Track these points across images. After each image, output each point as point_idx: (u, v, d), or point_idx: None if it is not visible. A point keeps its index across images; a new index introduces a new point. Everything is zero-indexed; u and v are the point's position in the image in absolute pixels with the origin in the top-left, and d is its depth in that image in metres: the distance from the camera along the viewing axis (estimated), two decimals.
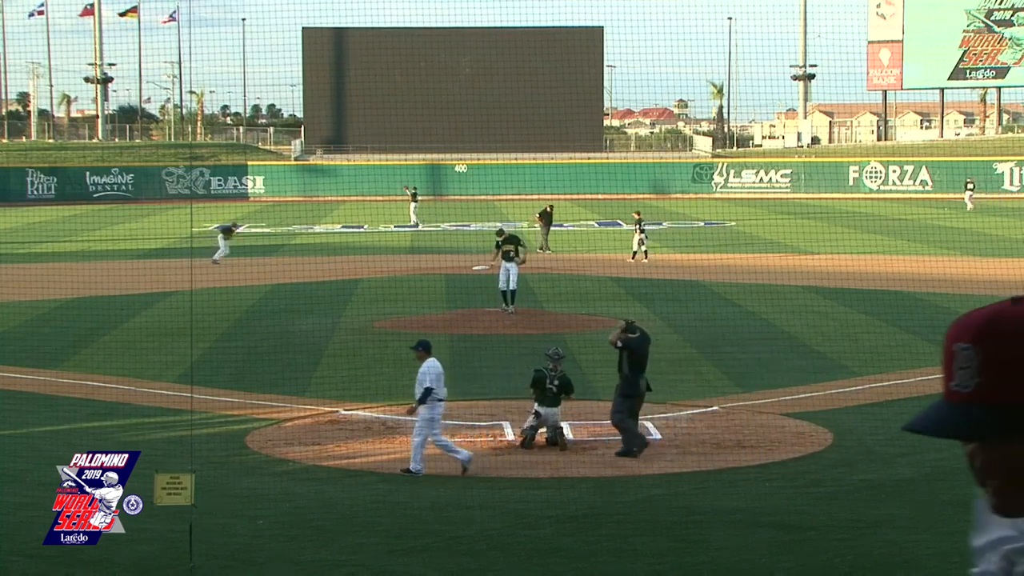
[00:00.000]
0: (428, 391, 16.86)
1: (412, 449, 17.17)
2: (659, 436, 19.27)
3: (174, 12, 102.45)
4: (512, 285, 32.03)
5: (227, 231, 44.88)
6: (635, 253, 43.31)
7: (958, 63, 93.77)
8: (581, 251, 46.45)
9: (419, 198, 63.72)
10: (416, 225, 60.45)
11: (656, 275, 37.48)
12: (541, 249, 46.49)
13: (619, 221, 58.58)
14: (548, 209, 48.38)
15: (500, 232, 34.03)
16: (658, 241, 53.09)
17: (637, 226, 43.74)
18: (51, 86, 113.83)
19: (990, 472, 2.23)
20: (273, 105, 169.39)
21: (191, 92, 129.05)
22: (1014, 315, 2.19)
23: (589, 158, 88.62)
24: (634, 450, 17.85)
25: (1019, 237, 49.66)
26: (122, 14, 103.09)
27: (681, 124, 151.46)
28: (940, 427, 2.21)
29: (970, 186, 70.27)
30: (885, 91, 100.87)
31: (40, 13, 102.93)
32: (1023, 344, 2.15)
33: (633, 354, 17.86)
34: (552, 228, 48.68)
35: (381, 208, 67.40)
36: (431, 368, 17.03)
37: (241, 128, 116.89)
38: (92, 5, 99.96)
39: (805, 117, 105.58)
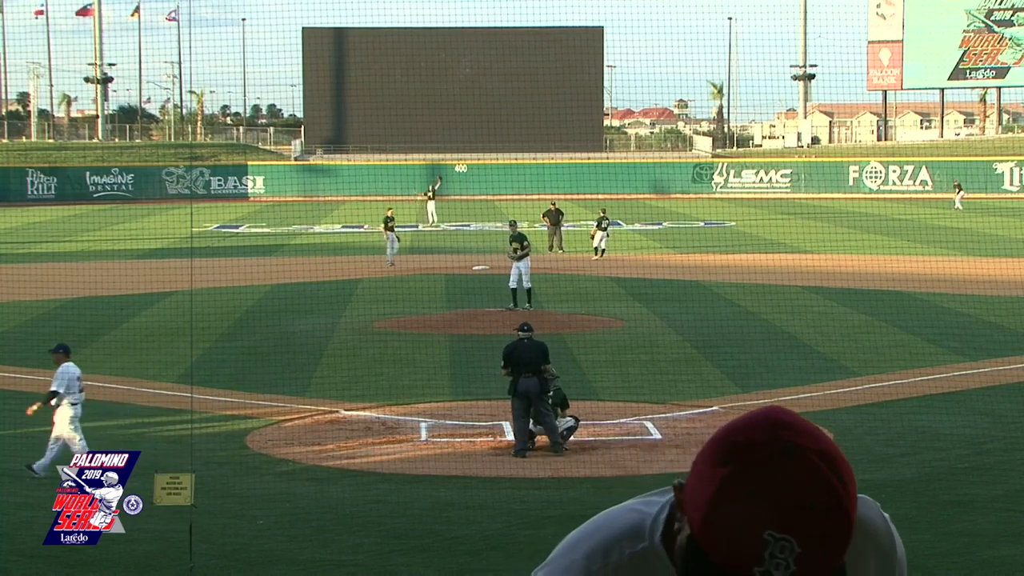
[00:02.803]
0: (53, 394, 16.98)
1: (48, 450, 17.03)
2: (659, 436, 19.29)
3: (173, 12, 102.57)
4: (522, 283, 32.39)
5: (389, 226, 43.43)
6: (600, 251, 44.07)
7: (958, 63, 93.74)
8: (581, 251, 46.40)
9: (435, 197, 63.57)
10: (417, 226, 60.36)
11: (656, 275, 37.44)
12: (551, 249, 46.58)
13: (619, 221, 58.51)
14: (552, 207, 48.25)
15: (512, 224, 34.56)
16: (658, 241, 53.15)
17: (598, 223, 44.71)
18: (51, 86, 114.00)
19: None
20: (273, 105, 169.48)
21: (191, 92, 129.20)
22: (820, 488, 1.94)
23: (589, 158, 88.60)
24: (520, 449, 18.14)
25: (1019, 237, 49.67)
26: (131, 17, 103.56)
27: (681, 124, 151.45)
28: None
29: (959, 190, 70.52)
30: (885, 91, 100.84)
31: (39, 13, 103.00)
32: (839, 524, 1.95)
33: (510, 358, 18.25)
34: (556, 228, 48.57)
35: (381, 208, 67.23)
36: (66, 371, 17.12)
37: (241, 128, 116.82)
38: (91, 5, 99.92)
39: (805, 117, 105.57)
